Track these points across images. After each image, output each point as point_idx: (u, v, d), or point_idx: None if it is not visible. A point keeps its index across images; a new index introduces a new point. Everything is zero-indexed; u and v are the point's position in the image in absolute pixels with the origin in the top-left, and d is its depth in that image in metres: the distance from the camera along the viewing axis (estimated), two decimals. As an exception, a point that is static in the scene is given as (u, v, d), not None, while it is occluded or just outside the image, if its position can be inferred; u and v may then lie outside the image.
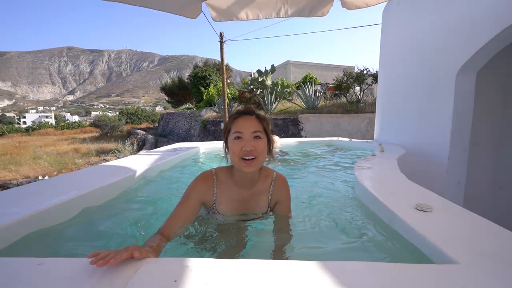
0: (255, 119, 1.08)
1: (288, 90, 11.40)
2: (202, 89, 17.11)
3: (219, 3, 2.20)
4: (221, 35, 11.90)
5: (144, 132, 14.78)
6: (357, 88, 10.02)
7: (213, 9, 2.23)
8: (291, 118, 8.84)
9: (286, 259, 1.05)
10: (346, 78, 9.95)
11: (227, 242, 1.07)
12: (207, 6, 2.21)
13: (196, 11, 2.18)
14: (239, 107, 1.10)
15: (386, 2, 3.54)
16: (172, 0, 2.07)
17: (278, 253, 1.07)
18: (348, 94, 10.23)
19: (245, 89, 12.96)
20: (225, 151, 1.14)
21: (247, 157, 1.03)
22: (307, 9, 2.17)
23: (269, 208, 1.20)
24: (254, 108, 1.14)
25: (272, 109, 10.18)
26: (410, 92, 3.10)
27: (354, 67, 11.58)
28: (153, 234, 0.97)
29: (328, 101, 10.73)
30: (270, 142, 1.12)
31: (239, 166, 1.05)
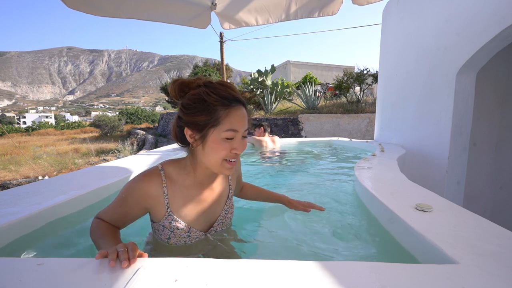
0: (246, 112, 0.85)
1: (288, 90, 11.39)
2: (202, 89, 17.09)
3: (228, 12, 2.17)
4: (221, 35, 11.90)
5: (144, 132, 14.77)
6: (357, 88, 10.04)
7: (222, 18, 2.21)
8: (291, 118, 8.83)
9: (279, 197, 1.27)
10: (346, 78, 9.96)
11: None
12: (215, 15, 2.19)
13: (206, 21, 2.16)
14: (217, 80, 0.83)
15: (386, 2, 3.54)
16: (182, 13, 2.07)
17: (270, 194, 1.27)
18: (348, 94, 10.24)
19: (245, 89, 12.96)
20: (192, 145, 0.84)
21: (232, 159, 0.84)
22: (317, 9, 2.12)
23: (230, 190, 1.04)
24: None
25: (272, 109, 10.18)
26: (410, 92, 3.10)
27: (354, 67, 11.60)
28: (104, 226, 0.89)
29: (328, 101, 10.75)
30: None
31: (219, 169, 0.84)
